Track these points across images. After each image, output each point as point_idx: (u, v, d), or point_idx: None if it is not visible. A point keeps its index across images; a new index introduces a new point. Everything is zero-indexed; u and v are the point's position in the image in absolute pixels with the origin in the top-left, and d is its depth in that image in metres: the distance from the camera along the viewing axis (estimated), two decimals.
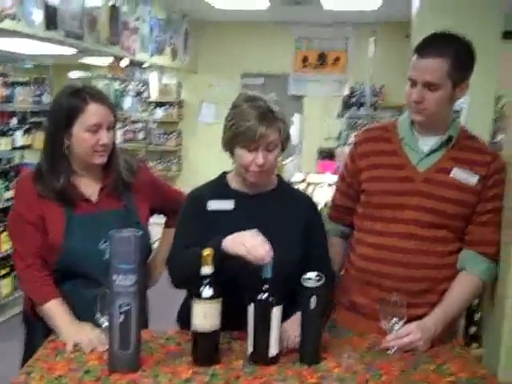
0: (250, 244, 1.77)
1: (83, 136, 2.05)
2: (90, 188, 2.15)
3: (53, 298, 2.02)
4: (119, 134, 7.45)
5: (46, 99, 5.59)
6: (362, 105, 7.78)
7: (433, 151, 2.08)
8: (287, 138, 2.00)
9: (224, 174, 2.14)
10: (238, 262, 1.79)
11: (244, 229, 1.84)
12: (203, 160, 9.68)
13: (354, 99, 7.87)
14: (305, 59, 9.80)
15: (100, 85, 7.20)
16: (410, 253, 2.07)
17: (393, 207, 2.10)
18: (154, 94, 9.32)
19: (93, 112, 2.05)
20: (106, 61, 7.36)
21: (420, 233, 2.06)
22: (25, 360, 2.14)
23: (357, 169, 2.20)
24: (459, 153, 2.07)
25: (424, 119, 2.03)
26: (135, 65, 7.82)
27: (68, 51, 6.36)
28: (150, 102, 9.16)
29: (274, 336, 1.78)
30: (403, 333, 1.90)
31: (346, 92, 7.97)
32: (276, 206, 2.03)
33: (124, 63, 7.33)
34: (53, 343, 1.93)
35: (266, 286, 1.77)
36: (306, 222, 2.05)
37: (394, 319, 1.89)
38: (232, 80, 9.59)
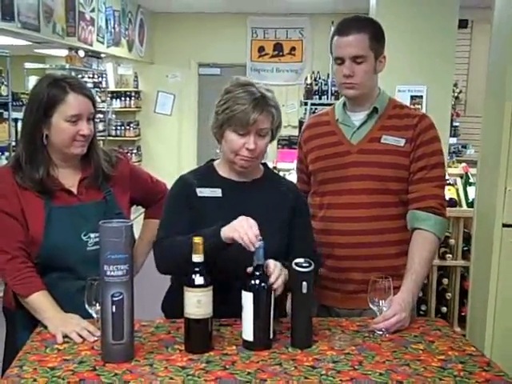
0: (242, 229, 1.78)
1: (63, 126, 2.02)
2: (69, 179, 2.13)
3: (38, 289, 1.99)
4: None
5: (4, 91, 5.44)
6: (323, 93, 7.83)
7: (363, 124, 2.26)
8: (278, 126, 2.03)
9: (211, 161, 2.14)
10: (233, 250, 1.80)
11: (231, 216, 1.84)
12: (162, 150, 9.65)
13: (316, 87, 7.91)
14: (261, 49, 9.85)
15: None
16: (359, 220, 2.22)
17: (336, 180, 2.27)
18: (111, 85, 9.19)
19: (73, 102, 2.02)
20: (63, 52, 7.22)
21: (365, 200, 2.22)
22: (7, 354, 2.12)
23: (303, 153, 2.40)
24: (387, 121, 2.25)
25: (356, 92, 2.21)
26: (92, 56, 7.69)
27: (24, 42, 6.23)
28: (108, 93, 9.03)
29: (272, 320, 1.80)
30: (390, 314, 1.93)
31: (308, 81, 8.00)
32: (263, 194, 2.04)
33: (81, 54, 7.21)
34: (40, 335, 1.89)
35: (261, 272, 1.78)
36: (291, 208, 2.07)
37: (382, 302, 1.92)
38: (189, 70, 9.57)
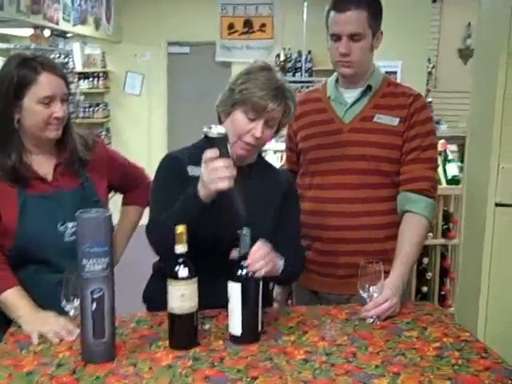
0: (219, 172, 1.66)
1: (35, 109, 1.91)
2: (43, 166, 2.01)
3: (11, 285, 1.88)
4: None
5: None
6: (297, 70, 7.71)
7: (356, 101, 2.19)
8: (286, 123, 1.95)
9: (205, 138, 2.03)
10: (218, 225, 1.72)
11: (223, 199, 1.73)
12: (132, 132, 9.47)
13: (289, 64, 7.79)
14: (231, 26, 9.66)
15: None
16: (349, 202, 2.16)
17: (326, 160, 2.20)
18: (78, 65, 8.95)
19: (45, 83, 1.90)
20: (27, 31, 6.97)
21: (355, 181, 2.16)
22: None
23: (292, 131, 2.33)
24: (381, 100, 2.19)
25: (352, 71, 2.13)
26: (58, 35, 7.45)
27: None
28: (75, 74, 8.79)
29: (261, 312, 1.72)
30: (380, 300, 1.87)
31: (281, 58, 7.87)
32: (256, 180, 1.95)
33: (47, 33, 6.97)
34: (14, 336, 1.78)
35: (246, 262, 1.69)
36: (282, 196, 1.99)
37: (373, 288, 1.85)
38: (157, 49, 9.36)
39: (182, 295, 1.66)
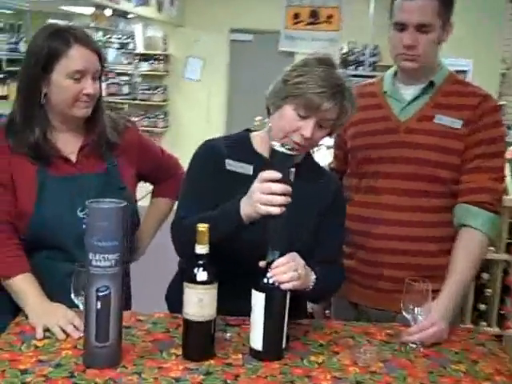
0: (265, 198, 1.47)
1: (64, 83, 1.76)
2: (68, 145, 1.87)
3: (22, 271, 1.74)
4: (102, 87, 7.03)
5: (23, 47, 5.18)
6: (360, 64, 7.43)
7: (415, 99, 1.97)
8: (340, 125, 1.72)
9: (247, 131, 1.83)
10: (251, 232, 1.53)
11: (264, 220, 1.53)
12: (190, 117, 9.36)
13: (352, 57, 7.51)
14: (296, 16, 9.43)
15: None
16: (399, 209, 1.95)
17: (377, 161, 1.99)
18: (139, 47, 8.90)
19: (77, 56, 1.75)
20: (88, 10, 6.93)
21: (408, 187, 1.94)
22: None
23: (343, 127, 1.99)
24: (444, 98, 1.95)
25: (415, 65, 1.91)
26: (119, 15, 7.39)
27: None
28: (135, 55, 8.75)
29: (286, 328, 1.52)
30: (427, 324, 1.64)
31: (343, 50, 7.60)
32: (300, 183, 1.68)
33: (108, 12, 6.91)
34: (19, 326, 1.64)
35: (270, 272, 1.49)
36: (327, 205, 1.77)
37: (418, 309, 1.62)
38: (220, 35, 9.20)
39: (200, 300, 1.48)
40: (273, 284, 1.48)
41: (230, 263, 1.57)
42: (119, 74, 7.82)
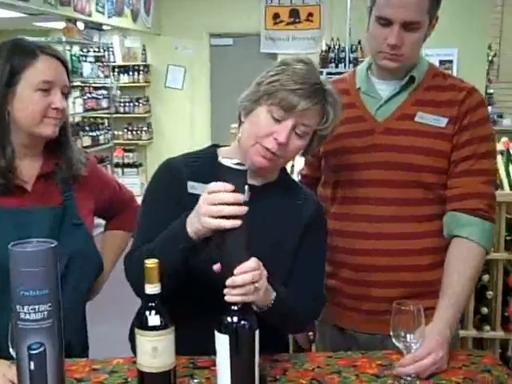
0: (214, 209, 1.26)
1: (31, 97, 1.60)
2: (26, 172, 1.67)
3: None
4: (79, 103, 6.83)
5: None
6: (340, 61, 7.22)
7: (393, 96, 1.76)
8: (323, 137, 1.53)
9: (214, 147, 1.61)
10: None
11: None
12: (174, 127, 9.18)
13: (332, 55, 7.31)
14: (276, 16, 9.23)
15: None
16: (381, 221, 1.73)
17: (353, 167, 1.77)
18: (117, 59, 8.72)
19: (45, 66, 1.60)
20: (60, 24, 6.73)
21: (389, 195, 1.72)
22: None
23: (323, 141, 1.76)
24: (425, 94, 1.75)
25: (398, 65, 1.70)
26: (93, 28, 7.19)
27: (14, 14, 5.77)
28: (114, 67, 8.56)
29: (257, 371, 1.30)
30: (422, 353, 1.43)
31: (323, 48, 7.40)
32: (273, 205, 1.53)
33: (80, 26, 6.71)
34: None
35: (239, 306, 1.28)
36: (305, 227, 1.56)
37: (410, 336, 1.41)
38: (199, 42, 9.00)
39: (154, 349, 1.26)
40: (238, 323, 1.27)
41: (193, 295, 1.37)
42: (96, 88, 7.61)
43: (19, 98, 1.60)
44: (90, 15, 6.42)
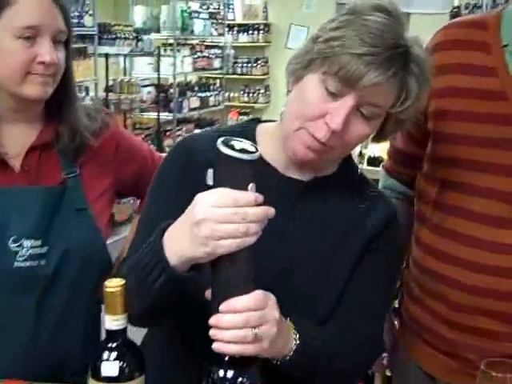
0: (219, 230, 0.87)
1: (10, 47, 1.24)
2: (15, 143, 1.33)
3: None
4: (188, 61, 6.53)
5: (89, 21, 4.76)
6: (478, 7, 6.33)
7: None
8: (401, 122, 1.08)
9: (254, 122, 1.21)
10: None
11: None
12: None
13: (466, 12, 6.46)
14: None
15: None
16: (507, 248, 1.17)
17: (480, 166, 1.21)
18: (237, 16, 8.43)
19: (27, 7, 1.24)
20: None
21: None
22: None
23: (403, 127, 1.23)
24: None
25: None
26: None
27: None
28: (232, 26, 8.28)
29: None
30: None
31: (455, 3, 6.59)
32: (327, 207, 1.12)
33: None
34: None
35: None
36: (369, 241, 1.12)
37: None
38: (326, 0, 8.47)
39: None
40: (233, 380, 0.86)
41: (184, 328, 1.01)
42: (208, 47, 7.35)
43: None
44: None
